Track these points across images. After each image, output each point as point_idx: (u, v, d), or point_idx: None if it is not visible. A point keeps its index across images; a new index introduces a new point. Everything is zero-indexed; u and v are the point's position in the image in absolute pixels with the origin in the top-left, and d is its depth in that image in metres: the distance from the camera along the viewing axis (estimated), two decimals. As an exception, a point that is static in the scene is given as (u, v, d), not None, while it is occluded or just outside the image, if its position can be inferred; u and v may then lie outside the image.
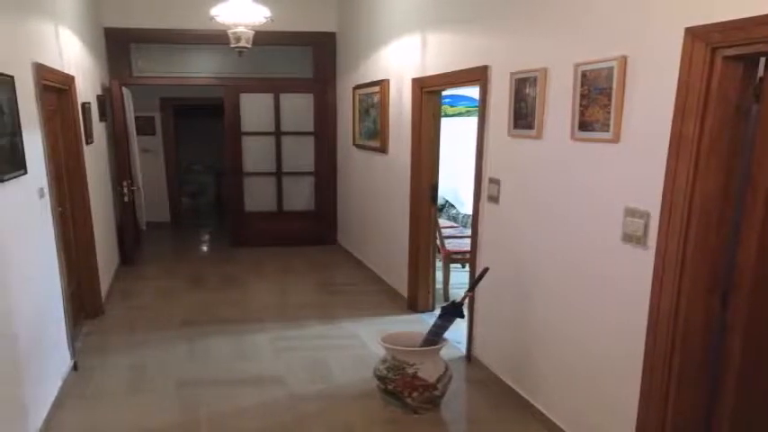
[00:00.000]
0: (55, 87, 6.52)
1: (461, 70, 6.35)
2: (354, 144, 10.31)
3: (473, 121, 6.53)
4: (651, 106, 3.83)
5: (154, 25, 10.33)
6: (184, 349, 6.87)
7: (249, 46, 7.66)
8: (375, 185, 9.49)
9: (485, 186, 5.99)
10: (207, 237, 13.71)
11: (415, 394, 5.27)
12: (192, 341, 7.07)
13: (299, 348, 6.89)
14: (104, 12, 10.13)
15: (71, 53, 7.29)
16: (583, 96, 4.36)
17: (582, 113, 4.39)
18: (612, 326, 4.33)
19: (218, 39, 8.75)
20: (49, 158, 5.82)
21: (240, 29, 7.47)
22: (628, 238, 4.08)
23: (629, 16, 3.99)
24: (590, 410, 4.64)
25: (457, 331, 6.22)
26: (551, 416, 5.12)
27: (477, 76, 5.98)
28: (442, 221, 9.84)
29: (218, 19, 7.36)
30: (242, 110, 11.44)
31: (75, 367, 6.21)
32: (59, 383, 5.74)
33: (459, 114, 11.25)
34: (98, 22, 9.87)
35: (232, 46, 7.66)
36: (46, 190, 5.68)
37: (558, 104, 4.71)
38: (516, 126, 5.34)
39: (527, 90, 5.10)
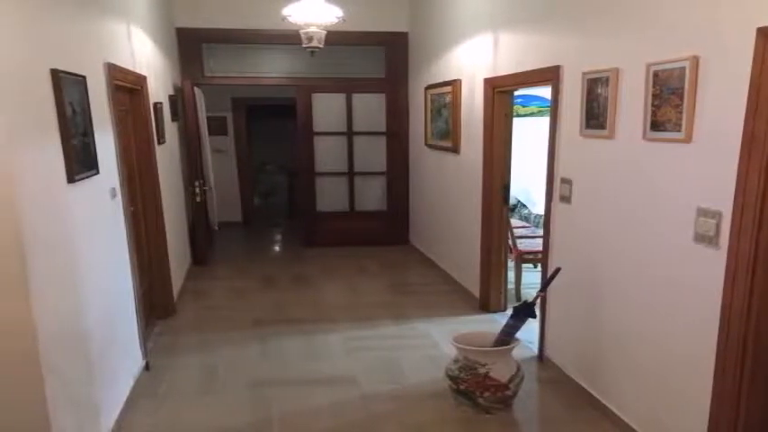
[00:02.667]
0: (127, 87, 6.58)
1: (533, 70, 6.33)
2: (426, 144, 10.32)
3: (545, 121, 6.51)
4: (723, 106, 3.79)
5: (226, 25, 10.44)
6: (256, 349, 6.95)
7: (321, 46, 7.70)
8: (447, 185, 9.49)
9: (557, 186, 5.97)
10: (279, 237, 13.82)
11: (486, 394, 5.28)
12: (263, 341, 7.15)
13: (371, 348, 6.94)
14: (176, 12, 10.31)
15: (143, 53, 7.38)
16: (655, 96, 4.33)
17: (654, 113, 4.36)
18: (684, 326, 4.29)
19: (290, 39, 8.81)
20: (121, 158, 5.89)
21: (312, 29, 7.52)
22: (700, 238, 4.05)
23: (701, 16, 3.95)
24: (662, 410, 4.61)
25: (529, 331, 6.21)
26: (623, 416, 5.09)
27: (549, 75, 5.96)
28: (514, 221, 9.81)
29: (290, 19, 7.41)
30: (314, 110, 11.51)
31: (146, 367, 6.32)
32: (131, 383, 5.84)
33: (531, 114, 11.21)
34: (170, 22, 10.02)
35: (304, 46, 7.70)
36: (118, 190, 5.75)
37: (630, 104, 4.68)
38: (588, 126, 5.31)
39: (599, 90, 5.08)
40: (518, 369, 5.39)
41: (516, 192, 10.58)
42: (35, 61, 3.99)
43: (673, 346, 4.44)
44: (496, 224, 7.78)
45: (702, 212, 4.01)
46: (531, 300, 5.47)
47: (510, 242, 8.34)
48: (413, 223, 11.93)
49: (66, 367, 4.20)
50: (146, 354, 6.37)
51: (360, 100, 11.63)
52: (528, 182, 10.67)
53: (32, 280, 3.64)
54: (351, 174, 11.91)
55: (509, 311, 5.90)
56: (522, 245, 8.69)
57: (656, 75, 4.33)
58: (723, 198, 3.82)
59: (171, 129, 9.19)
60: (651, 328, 4.67)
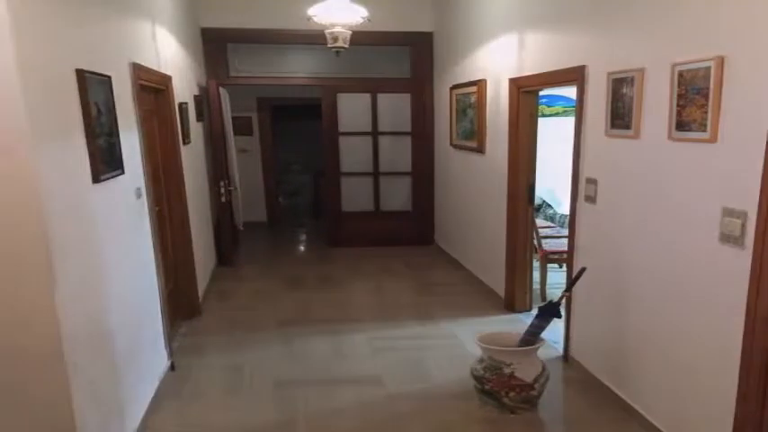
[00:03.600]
0: (152, 87, 6.57)
1: (558, 70, 6.32)
2: (451, 144, 10.32)
3: (570, 121, 6.49)
4: (748, 106, 3.77)
5: (251, 25, 10.43)
6: (281, 349, 6.96)
7: (346, 46, 7.70)
8: (472, 185, 9.48)
9: (582, 186, 5.95)
10: (304, 237, 13.82)
11: (512, 394, 5.27)
12: (289, 341, 7.17)
13: (396, 348, 6.94)
14: (201, 12, 10.29)
15: (168, 53, 7.38)
16: (680, 96, 4.32)
17: (679, 113, 4.34)
18: (710, 326, 4.27)
19: (315, 39, 8.81)
20: (147, 159, 5.91)
21: (337, 29, 7.52)
22: (725, 238, 4.03)
23: (726, 17, 3.94)
24: (687, 411, 4.59)
25: (554, 331, 6.21)
26: (649, 416, 5.07)
27: (574, 76, 5.95)
28: (539, 221, 9.79)
29: (316, 19, 7.42)
30: (339, 110, 11.53)
31: (172, 367, 6.35)
32: (156, 383, 5.87)
33: (557, 114, 11.19)
34: (195, 22, 10.02)
35: (329, 46, 7.70)
36: (143, 190, 5.77)
37: (655, 104, 4.66)
38: (613, 126, 5.30)
39: (624, 90, 5.06)
40: (543, 369, 5.39)
41: (541, 192, 10.56)
42: (60, 61, 4.02)
43: (698, 346, 4.43)
44: (522, 224, 7.77)
45: (728, 212, 3.99)
46: (556, 300, 5.47)
47: (535, 242, 8.32)
48: (438, 223, 11.91)
49: (92, 367, 4.23)
50: (171, 354, 6.41)
51: (385, 100, 11.62)
52: (553, 182, 10.64)
53: (57, 279, 3.67)
54: (376, 174, 11.91)
55: (534, 311, 5.93)
56: (548, 245, 8.67)
57: (681, 75, 4.31)
58: (749, 198, 3.80)
59: (196, 129, 9.21)
60: (676, 328, 4.65)
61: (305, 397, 5.82)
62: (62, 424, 3.82)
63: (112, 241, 4.82)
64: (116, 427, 4.68)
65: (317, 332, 7.43)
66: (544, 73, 6.67)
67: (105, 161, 4.63)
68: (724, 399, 4.14)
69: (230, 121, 10.96)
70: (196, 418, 5.50)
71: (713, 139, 4.04)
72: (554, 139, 9.70)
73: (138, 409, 5.25)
